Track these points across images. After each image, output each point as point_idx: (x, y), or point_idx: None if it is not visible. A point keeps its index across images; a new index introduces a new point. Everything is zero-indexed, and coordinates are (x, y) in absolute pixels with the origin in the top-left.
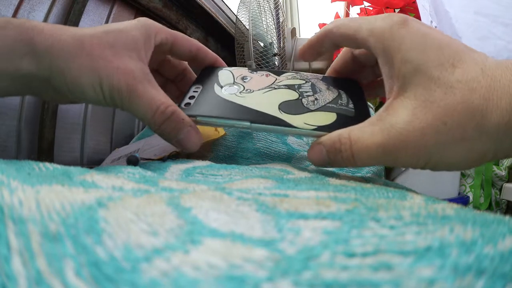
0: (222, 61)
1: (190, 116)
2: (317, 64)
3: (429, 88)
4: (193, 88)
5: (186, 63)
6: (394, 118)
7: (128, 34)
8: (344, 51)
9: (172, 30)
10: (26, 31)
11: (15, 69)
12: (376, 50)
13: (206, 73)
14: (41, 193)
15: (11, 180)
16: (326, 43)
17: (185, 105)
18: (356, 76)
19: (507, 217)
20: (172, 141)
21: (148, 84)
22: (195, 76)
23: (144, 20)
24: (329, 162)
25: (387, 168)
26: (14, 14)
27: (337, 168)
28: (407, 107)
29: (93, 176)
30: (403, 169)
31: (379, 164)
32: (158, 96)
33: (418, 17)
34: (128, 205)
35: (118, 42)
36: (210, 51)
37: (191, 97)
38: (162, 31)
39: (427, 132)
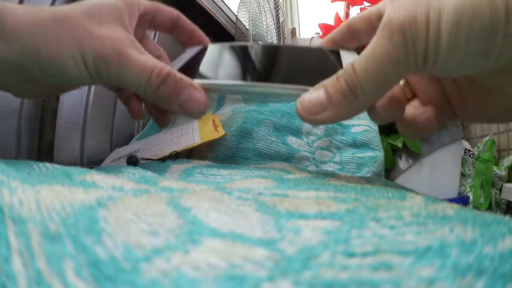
0: (202, 36)
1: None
2: None
3: None
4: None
5: (159, 52)
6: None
7: (111, 4)
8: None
9: (151, 1)
10: None
11: None
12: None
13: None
14: (41, 193)
15: (11, 180)
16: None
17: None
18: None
19: (507, 217)
20: (174, 107)
21: (137, 50)
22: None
23: None
24: (327, 104)
25: (387, 168)
26: None
27: (337, 121)
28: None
29: (93, 176)
30: (403, 169)
31: (388, 71)
32: (151, 60)
33: None
34: (128, 205)
35: (101, 12)
36: (191, 24)
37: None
38: (144, 2)
39: None
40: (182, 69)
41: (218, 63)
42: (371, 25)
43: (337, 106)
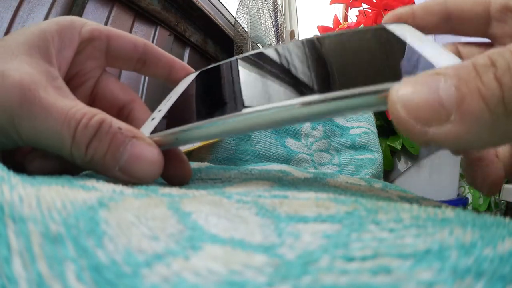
0: (184, 65)
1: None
2: None
3: None
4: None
5: (129, 95)
6: None
7: (32, 29)
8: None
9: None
10: None
11: None
12: None
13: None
14: (42, 191)
15: (11, 177)
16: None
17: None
18: None
19: (506, 219)
20: (115, 173)
21: (56, 91)
22: (144, 113)
23: (66, 16)
24: (455, 109)
25: (386, 170)
26: (14, 16)
27: (459, 148)
28: None
29: (93, 182)
30: (402, 170)
31: None
32: (75, 104)
33: None
34: (129, 206)
35: (16, 39)
36: (165, 52)
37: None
38: (92, 24)
39: None
40: (170, 117)
41: (218, 90)
42: (486, 13)
43: (469, 122)
